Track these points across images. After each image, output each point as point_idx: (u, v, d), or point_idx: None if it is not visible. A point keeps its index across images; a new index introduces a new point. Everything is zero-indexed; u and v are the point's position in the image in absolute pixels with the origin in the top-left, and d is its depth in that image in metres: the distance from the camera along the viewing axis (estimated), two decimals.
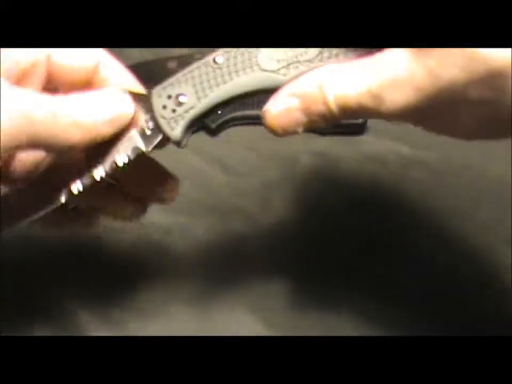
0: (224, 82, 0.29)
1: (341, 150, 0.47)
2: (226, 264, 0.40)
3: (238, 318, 0.38)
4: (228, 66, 0.29)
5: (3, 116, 0.25)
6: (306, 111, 0.28)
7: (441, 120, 0.28)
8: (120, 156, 0.30)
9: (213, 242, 0.41)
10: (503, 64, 0.24)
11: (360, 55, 0.27)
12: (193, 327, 0.37)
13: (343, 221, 0.42)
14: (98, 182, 0.29)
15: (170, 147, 0.43)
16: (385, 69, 0.26)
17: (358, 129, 0.48)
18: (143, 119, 0.30)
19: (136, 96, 0.30)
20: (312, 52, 0.28)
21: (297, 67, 0.29)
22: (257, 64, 0.29)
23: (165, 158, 0.43)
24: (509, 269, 0.39)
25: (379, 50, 0.26)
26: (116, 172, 0.30)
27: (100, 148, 0.29)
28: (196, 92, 0.30)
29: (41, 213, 0.30)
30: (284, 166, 0.46)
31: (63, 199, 0.29)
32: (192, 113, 0.30)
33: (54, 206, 0.30)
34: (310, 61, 0.28)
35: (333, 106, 0.27)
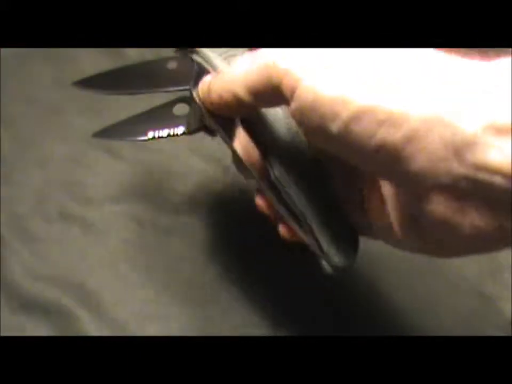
0: None
1: None
2: (227, 264, 0.40)
3: (238, 317, 0.38)
4: None
5: None
6: None
7: None
8: None
9: (213, 241, 0.41)
10: None
11: None
12: (193, 327, 0.37)
13: None
14: None
15: (169, 147, 0.44)
16: None
17: None
18: None
19: None
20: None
21: None
22: None
23: (164, 157, 0.44)
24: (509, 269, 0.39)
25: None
26: None
27: None
28: None
29: None
30: None
31: None
32: None
33: None
34: None
35: None
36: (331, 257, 0.30)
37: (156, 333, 0.37)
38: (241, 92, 0.27)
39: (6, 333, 0.36)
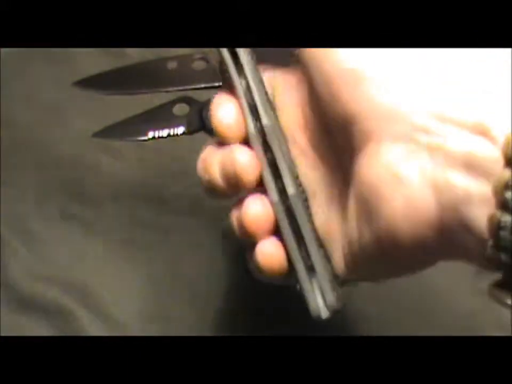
0: None
1: None
2: (227, 263, 0.40)
3: (239, 318, 0.38)
4: None
5: None
6: None
7: None
8: None
9: (213, 241, 0.41)
10: None
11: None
12: (193, 327, 0.37)
13: None
14: None
15: (169, 147, 0.44)
16: None
17: None
18: None
19: None
20: None
21: None
22: None
23: (164, 157, 0.44)
24: None
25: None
26: None
27: None
28: None
29: None
30: None
31: None
32: None
33: None
34: None
35: None
36: (329, 297, 0.27)
37: (156, 333, 0.37)
38: None
39: (6, 333, 0.36)
